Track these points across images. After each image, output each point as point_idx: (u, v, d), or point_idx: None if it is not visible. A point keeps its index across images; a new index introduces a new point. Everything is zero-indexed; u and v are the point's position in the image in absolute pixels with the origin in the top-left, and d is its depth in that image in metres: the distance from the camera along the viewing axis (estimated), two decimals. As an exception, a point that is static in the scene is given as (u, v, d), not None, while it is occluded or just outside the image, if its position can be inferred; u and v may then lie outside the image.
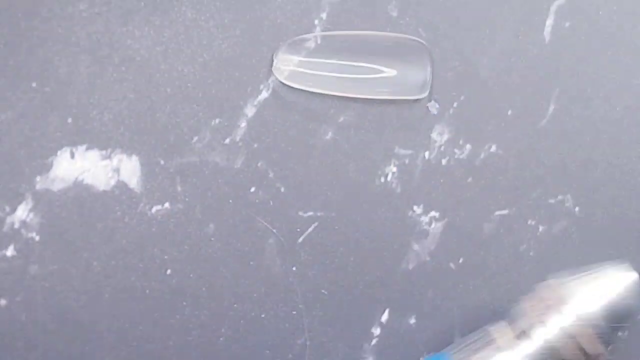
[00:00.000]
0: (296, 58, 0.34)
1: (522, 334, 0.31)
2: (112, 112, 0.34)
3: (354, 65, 0.34)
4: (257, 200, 0.34)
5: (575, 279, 0.31)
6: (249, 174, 0.34)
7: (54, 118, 0.34)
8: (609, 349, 0.32)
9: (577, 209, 0.36)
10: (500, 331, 0.32)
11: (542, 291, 0.32)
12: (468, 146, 0.35)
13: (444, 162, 0.35)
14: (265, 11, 0.35)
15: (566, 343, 0.31)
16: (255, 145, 0.35)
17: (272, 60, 0.34)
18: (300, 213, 0.35)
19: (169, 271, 0.34)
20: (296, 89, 0.35)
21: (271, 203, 0.34)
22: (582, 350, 0.31)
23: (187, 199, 0.34)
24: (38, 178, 0.34)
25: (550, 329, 0.31)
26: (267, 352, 0.34)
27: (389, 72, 0.34)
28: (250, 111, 0.35)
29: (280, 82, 0.34)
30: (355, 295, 0.35)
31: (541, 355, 0.31)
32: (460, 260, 0.35)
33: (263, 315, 0.34)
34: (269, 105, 0.35)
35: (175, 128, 0.34)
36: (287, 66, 0.34)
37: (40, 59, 0.34)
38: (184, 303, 0.34)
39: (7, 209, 0.33)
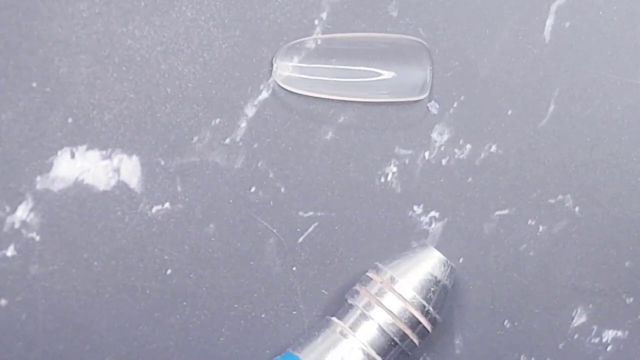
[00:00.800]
0: (295, 63, 0.34)
1: (362, 316, 0.32)
2: (112, 112, 0.34)
3: (353, 69, 0.34)
4: (257, 200, 0.34)
5: (400, 261, 0.32)
6: (249, 174, 0.34)
7: (54, 118, 0.34)
8: (433, 328, 0.33)
9: (577, 209, 0.36)
10: (340, 318, 0.33)
11: (372, 274, 0.32)
12: (468, 146, 0.35)
13: (444, 162, 0.35)
14: (265, 11, 0.35)
15: (399, 321, 0.31)
16: (255, 145, 0.35)
17: (272, 65, 0.34)
18: (300, 213, 0.35)
19: (169, 271, 0.34)
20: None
21: (271, 203, 0.34)
22: (411, 328, 0.32)
23: (187, 199, 0.34)
24: (38, 178, 0.34)
25: (387, 307, 0.31)
26: (267, 352, 0.34)
27: (389, 74, 0.34)
28: (250, 111, 0.35)
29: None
30: (355, 295, 0.35)
31: (382, 334, 0.31)
32: (460, 260, 0.35)
33: (263, 315, 0.34)
34: (269, 106, 0.35)
35: (176, 128, 0.34)
36: (287, 71, 0.34)
37: (40, 59, 0.34)
38: (184, 303, 0.34)
39: (7, 209, 0.33)
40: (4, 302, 0.33)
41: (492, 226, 0.35)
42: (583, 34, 0.36)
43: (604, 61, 0.36)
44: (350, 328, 0.32)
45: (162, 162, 0.34)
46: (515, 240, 0.35)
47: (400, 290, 0.31)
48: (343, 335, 0.32)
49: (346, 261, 0.35)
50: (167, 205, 0.34)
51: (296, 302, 0.35)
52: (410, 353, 0.32)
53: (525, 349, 0.35)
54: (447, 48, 0.35)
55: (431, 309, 0.32)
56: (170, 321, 0.34)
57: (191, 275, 0.34)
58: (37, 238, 0.34)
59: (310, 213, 0.35)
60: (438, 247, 0.35)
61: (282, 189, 0.34)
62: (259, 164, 0.35)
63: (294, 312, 0.35)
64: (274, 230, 0.35)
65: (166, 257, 0.34)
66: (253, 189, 0.34)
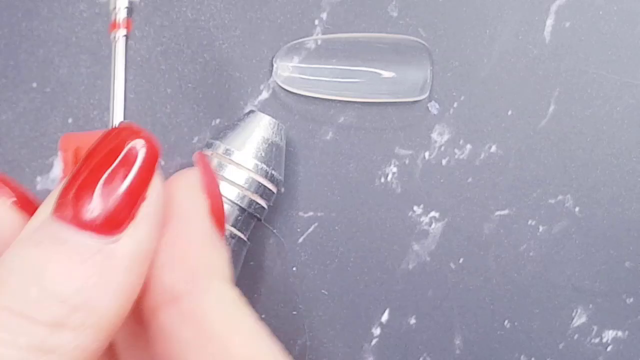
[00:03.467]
0: (295, 63, 0.34)
1: None
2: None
3: (353, 69, 0.34)
4: (257, 201, 0.34)
5: (232, 132, 0.32)
6: (249, 174, 0.34)
7: (54, 118, 0.34)
8: (281, 190, 0.33)
9: (577, 209, 0.36)
10: None
11: (208, 151, 0.32)
12: (468, 146, 0.35)
13: (444, 162, 0.35)
14: (265, 11, 0.35)
15: (245, 189, 0.31)
16: (255, 146, 0.35)
17: (272, 65, 0.34)
18: (300, 213, 0.35)
19: (169, 271, 0.34)
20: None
21: (271, 203, 0.34)
22: (257, 193, 0.31)
23: (187, 199, 0.34)
24: (38, 178, 0.34)
25: (229, 179, 0.31)
26: (267, 352, 0.34)
27: (389, 74, 0.34)
28: (250, 111, 0.35)
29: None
30: (355, 295, 0.35)
31: (231, 205, 0.31)
32: (460, 260, 0.35)
33: (263, 316, 0.34)
34: (269, 106, 0.35)
35: (176, 128, 0.34)
36: (287, 71, 0.34)
37: (40, 59, 0.34)
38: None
39: (8, 209, 0.33)
40: (4, 302, 0.33)
41: (492, 226, 0.35)
42: (583, 34, 0.36)
43: (604, 61, 0.36)
44: None
45: (162, 162, 0.34)
46: (515, 240, 0.35)
47: (238, 160, 0.31)
48: None
49: (346, 261, 0.35)
50: (167, 205, 0.34)
51: (296, 302, 0.35)
52: (260, 216, 0.32)
53: (525, 349, 0.35)
54: (447, 48, 0.35)
55: (271, 170, 0.32)
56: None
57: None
58: (37, 238, 0.33)
59: (310, 213, 0.35)
60: (438, 247, 0.35)
61: (282, 189, 0.34)
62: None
63: (294, 312, 0.35)
64: (274, 230, 0.35)
65: (166, 257, 0.34)
66: (253, 189, 0.34)
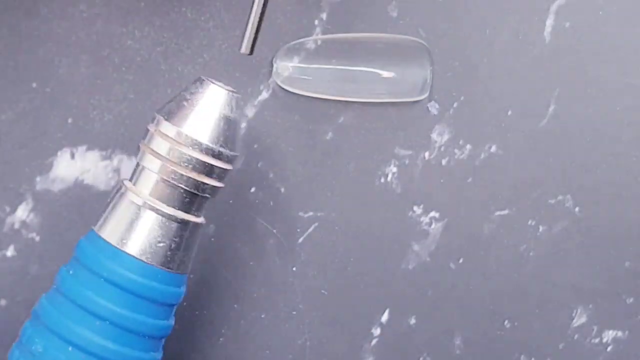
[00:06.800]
0: (295, 64, 0.34)
1: (147, 173, 0.29)
2: (112, 113, 0.34)
3: (353, 69, 0.34)
4: (257, 201, 0.34)
5: (179, 104, 0.29)
6: (249, 175, 0.34)
7: (54, 118, 0.34)
8: (237, 166, 0.31)
9: (577, 209, 0.36)
10: (132, 180, 0.29)
11: (150, 125, 0.29)
12: (468, 146, 0.35)
13: (444, 162, 0.35)
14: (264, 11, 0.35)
15: (191, 170, 0.28)
16: (255, 146, 0.35)
17: (272, 65, 0.34)
18: (300, 213, 0.35)
19: (169, 271, 0.34)
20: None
21: (271, 203, 0.34)
22: (205, 173, 0.29)
23: (187, 199, 0.34)
24: (38, 178, 0.34)
25: (172, 159, 0.28)
26: (267, 352, 0.34)
27: (389, 74, 0.34)
28: (250, 112, 0.35)
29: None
30: (355, 295, 0.35)
31: (174, 187, 0.28)
32: (460, 260, 0.35)
33: (263, 316, 0.34)
34: (269, 106, 0.35)
35: (176, 128, 0.34)
36: (287, 72, 0.34)
37: (40, 59, 0.34)
38: (184, 303, 0.34)
39: (7, 209, 0.33)
40: (4, 302, 0.33)
41: (492, 226, 0.35)
42: (583, 34, 0.36)
43: (604, 61, 0.36)
44: (136, 185, 0.29)
45: (162, 162, 0.34)
46: (515, 240, 0.35)
47: (179, 138, 0.28)
48: (132, 195, 0.29)
49: (346, 261, 0.35)
50: (167, 205, 0.34)
51: (296, 302, 0.35)
52: (211, 196, 0.30)
53: (525, 349, 0.35)
54: (447, 48, 0.35)
55: (219, 147, 0.28)
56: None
57: (191, 276, 0.34)
58: (37, 238, 0.34)
59: (310, 213, 0.35)
60: (438, 247, 0.35)
61: (282, 189, 0.34)
62: (259, 165, 0.35)
63: (294, 312, 0.35)
64: (274, 231, 0.35)
65: (166, 257, 0.34)
66: (253, 189, 0.34)
